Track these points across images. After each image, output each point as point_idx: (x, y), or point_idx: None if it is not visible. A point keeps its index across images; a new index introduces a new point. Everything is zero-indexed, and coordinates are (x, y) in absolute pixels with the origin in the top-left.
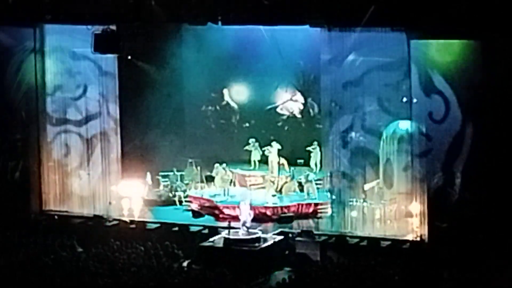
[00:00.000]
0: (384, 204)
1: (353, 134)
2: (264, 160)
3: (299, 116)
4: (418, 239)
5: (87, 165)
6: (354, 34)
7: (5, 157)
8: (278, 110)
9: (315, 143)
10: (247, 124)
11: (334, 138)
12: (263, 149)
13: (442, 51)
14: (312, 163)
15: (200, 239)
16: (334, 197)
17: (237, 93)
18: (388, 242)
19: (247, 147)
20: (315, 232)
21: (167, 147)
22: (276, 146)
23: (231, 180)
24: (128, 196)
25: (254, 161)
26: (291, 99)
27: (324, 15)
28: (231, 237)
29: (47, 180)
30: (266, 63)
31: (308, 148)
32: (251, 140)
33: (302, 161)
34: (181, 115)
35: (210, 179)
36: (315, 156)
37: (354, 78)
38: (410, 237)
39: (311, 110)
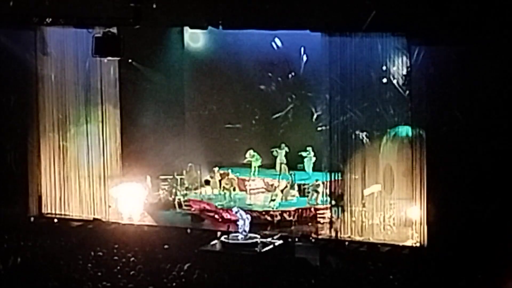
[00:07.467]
0: (384, 209)
1: (353, 138)
2: (264, 166)
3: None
4: (418, 244)
5: (87, 168)
6: (354, 38)
7: (4, 160)
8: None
9: (309, 149)
10: (248, 129)
11: (334, 142)
12: (271, 150)
13: (442, 56)
14: (306, 169)
15: (200, 243)
16: (333, 202)
17: (238, 97)
18: (388, 248)
19: (246, 160)
20: (315, 237)
21: (167, 150)
22: (284, 148)
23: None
24: (128, 200)
25: (255, 167)
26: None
27: (325, 20)
28: (230, 241)
29: (47, 183)
30: (268, 68)
31: (302, 154)
32: (248, 153)
33: (302, 165)
34: (182, 118)
35: (207, 183)
36: (308, 162)
37: (355, 82)
38: (409, 242)
39: (310, 115)
